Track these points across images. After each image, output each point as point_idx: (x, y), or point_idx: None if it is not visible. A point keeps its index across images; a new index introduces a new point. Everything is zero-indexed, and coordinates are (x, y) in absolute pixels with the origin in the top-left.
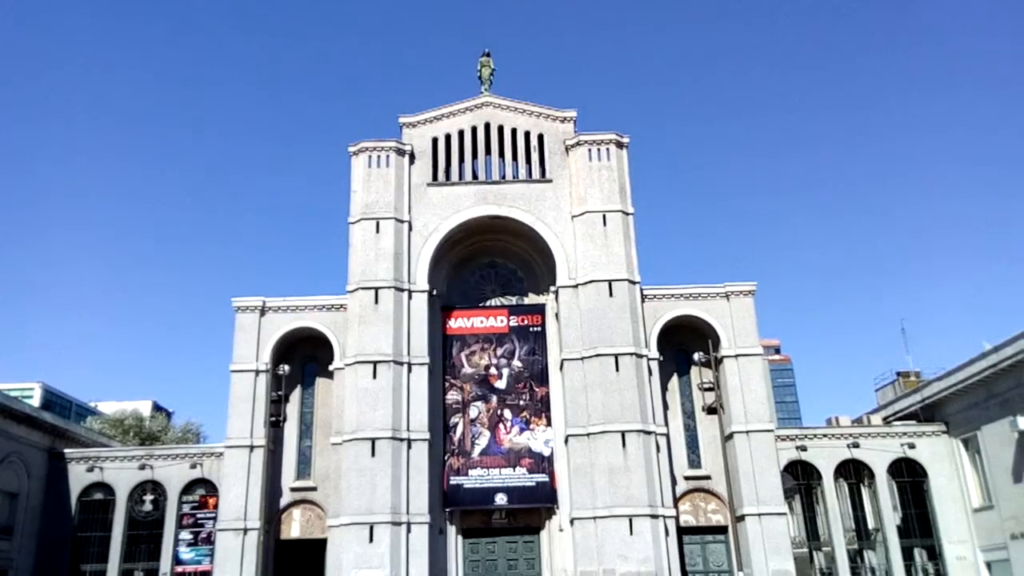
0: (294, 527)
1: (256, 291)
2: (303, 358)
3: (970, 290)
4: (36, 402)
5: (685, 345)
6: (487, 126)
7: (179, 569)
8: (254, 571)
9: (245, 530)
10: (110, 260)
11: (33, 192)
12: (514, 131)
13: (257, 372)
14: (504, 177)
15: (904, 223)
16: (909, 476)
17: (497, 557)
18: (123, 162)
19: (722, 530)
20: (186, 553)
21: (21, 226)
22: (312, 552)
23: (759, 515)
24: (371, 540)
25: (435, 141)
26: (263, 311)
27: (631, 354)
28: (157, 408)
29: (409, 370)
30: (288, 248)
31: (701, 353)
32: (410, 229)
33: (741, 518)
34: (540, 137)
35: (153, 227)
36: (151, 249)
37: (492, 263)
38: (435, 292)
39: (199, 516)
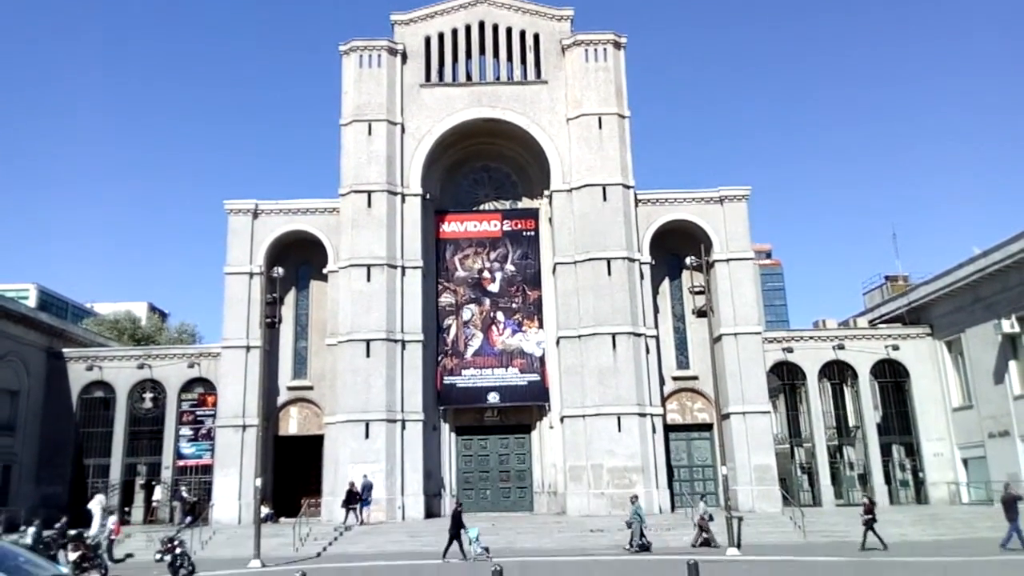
0: (292, 424)
1: (250, 196)
2: (297, 261)
3: (964, 196)
4: (32, 303)
5: (677, 249)
6: (481, 25)
7: (181, 463)
8: (254, 465)
9: (244, 427)
10: (103, 164)
11: (27, 103)
12: (509, 30)
13: (251, 275)
14: (499, 78)
15: (900, 128)
16: (892, 377)
17: (489, 453)
18: (112, 70)
19: (707, 427)
20: (187, 448)
21: (14, 133)
22: (310, 448)
23: (744, 413)
24: (367, 436)
25: (428, 40)
26: (256, 214)
27: (623, 258)
28: (153, 309)
29: (403, 273)
30: (282, 153)
31: (693, 257)
32: (403, 132)
33: (726, 416)
34: (536, 37)
35: (145, 133)
36: (144, 154)
37: (486, 167)
38: (428, 196)
39: (198, 413)
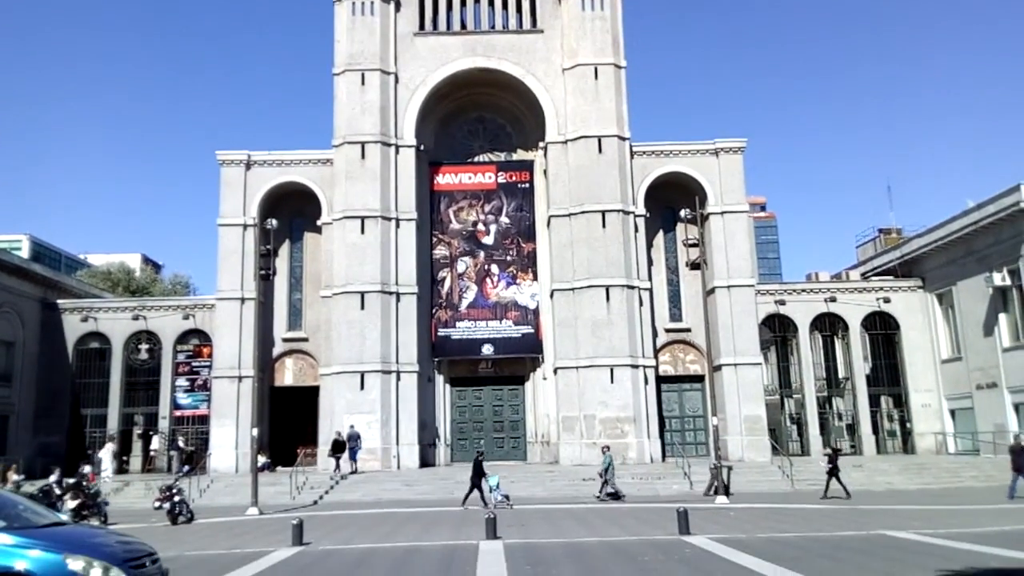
0: (287, 375)
1: (244, 147)
2: (291, 213)
3: (960, 150)
4: (25, 254)
5: (672, 202)
6: None
7: (177, 413)
8: (250, 415)
9: (240, 378)
10: (94, 114)
11: (19, 54)
12: None
13: (245, 226)
14: (494, 27)
15: (896, 80)
16: (882, 329)
17: (483, 403)
18: (104, 20)
19: (699, 379)
20: (184, 398)
21: (5, 84)
22: (306, 398)
23: (735, 365)
24: (362, 387)
25: None
26: (248, 165)
27: (618, 211)
28: (146, 261)
29: (397, 225)
30: (276, 104)
31: (687, 210)
32: (396, 81)
33: (718, 368)
34: None
35: (137, 83)
36: (136, 104)
37: (480, 118)
38: (422, 147)
39: (194, 364)
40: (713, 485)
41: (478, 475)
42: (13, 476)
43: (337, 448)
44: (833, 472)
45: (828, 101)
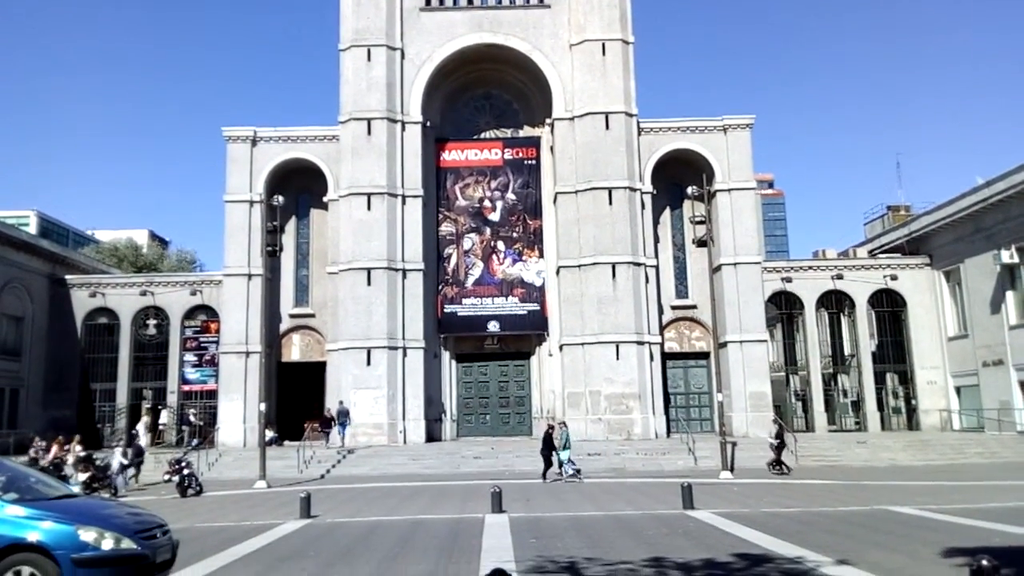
0: (294, 351)
1: (251, 123)
2: (297, 189)
3: (971, 126)
4: (32, 230)
5: (679, 179)
6: None
7: (186, 388)
8: (257, 390)
9: (247, 353)
10: (101, 90)
11: (24, 31)
12: None
13: (251, 203)
14: (500, 2)
15: (908, 56)
16: (889, 307)
17: (489, 379)
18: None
19: (704, 356)
20: (192, 373)
21: (11, 60)
22: (312, 374)
23: (741, 342)
24: (368, 363)
25: None
26: (255, 141)
27: (625, 188)
28: (153, 237)
29: (403, 202)
30: (283, 80)
31: (695, 187)
32: (402, 57)
33: (724, 345)
34: None
35: (144, 59)
36: (143, 80)
37: (487, 94)
38: (429, 124)
39: (202, 340)
40: (776, 459)
41: (548, 448)
42: (77, 449)
43: (326, 424)
44: (780, 447)
45: (838, 77)
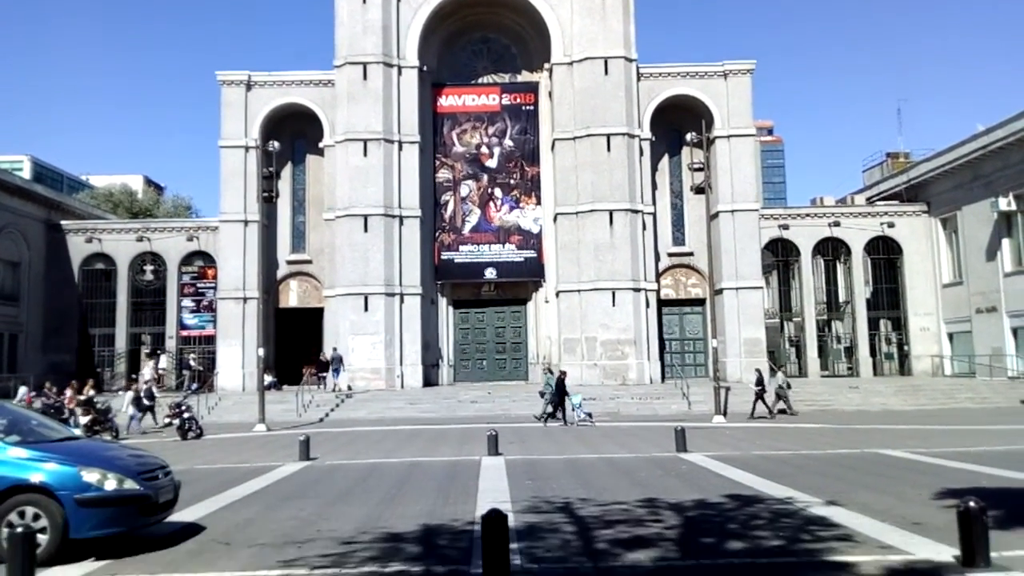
0: (291, 297)
1: (245, 67)
2: (292, 135)
3: (974, 71)
4: (26, 175)
5: (678, 125)
6: None
7: (184, 333)
8: (256, 336)
9: (244, 299)
10: (93, 33)
11: None
12: None
13: (247, 148)
14: None
15: None
16: (885, 254)
17: (486, 325)
18: None
19: (700, 302)
20: (190, 319)
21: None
22: (310, 320)
23: (736, 289)
24: (366, 309)
25: None
26: (249, 86)
27: (624, 134)
28: (148, 182)
29: (400, 148)
30: (277, 24)
31: (693, 133)
32: None
33: (719, 291)
34: None
35: (138, 1)
36: (136, 24)
37: (484, 38)
38: (425, 68)
39: (199, 286)
40: (779, 405)
41: (561, 393)
42: (91, 393)
43: (322, 368)
44: (760, 394)
45: (839, 20)
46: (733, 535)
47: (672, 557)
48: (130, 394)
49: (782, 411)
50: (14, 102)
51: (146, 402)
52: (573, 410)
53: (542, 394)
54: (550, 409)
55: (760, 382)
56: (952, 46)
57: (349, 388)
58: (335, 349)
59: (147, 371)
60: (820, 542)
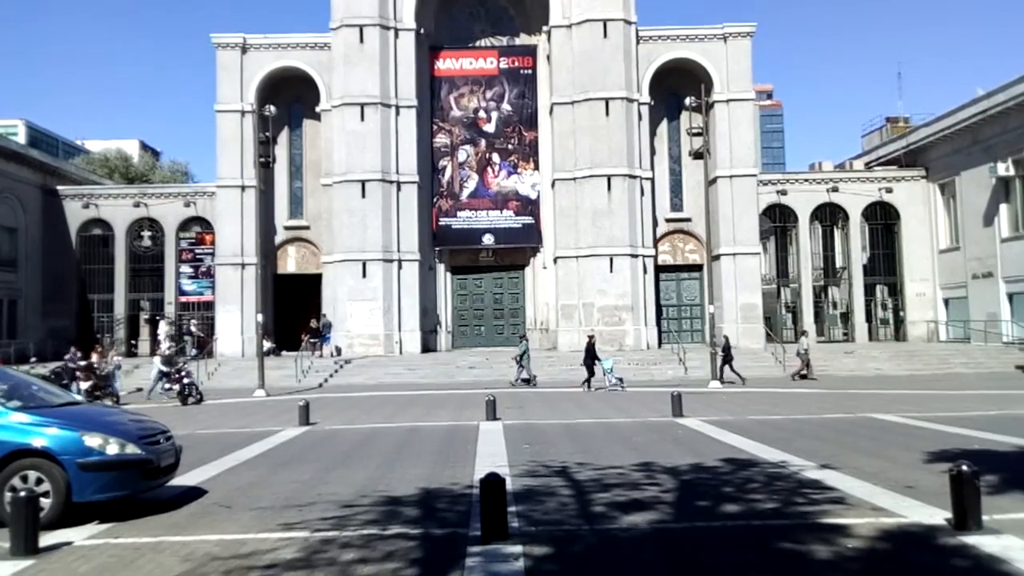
0: (289, 263)
1: (241, 29)
2: (289, 99)
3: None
4: (21, 139)
5: (677, 89)
6: None
7: (183, 299)
8: (254, 302)
9: (243, 265)
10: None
11: None
12: None
13: (243, 112)
14: None
15: None
16: (883, 219)
17: (484, 291)
18: None
19: (697, 268)
20: (188, 285)
21: None
22: (309, 285)
23: (734, 255)
24: (364, 275)
25: None
26: (244, 49)
27: (622, 99)
28: (144, 148)
29: (397, 113)
30: None
31: (692, 98)
32: None
33: (717, 257)
34: None
35: None
36: None
37: (482, 0)
38: (422, 31)
39: (197, 252)
40: (801, 371)
41: (591, 358)
42: (116, 359)
43: (313, 334)
44: (727, 359)
45: None
46: (728, 498)
47: (668, 519)
48: (157, 359)
49: (803, 376)
50: (8, 66)
51: (163, 368)
52: (604, 375)
53: (516, 359)
54: (524, 375)
55: (727, 348)
56: (953, 9)
57: (338, 351)
58: (324, 315)
59: (162, 334)
60: (814, 505)
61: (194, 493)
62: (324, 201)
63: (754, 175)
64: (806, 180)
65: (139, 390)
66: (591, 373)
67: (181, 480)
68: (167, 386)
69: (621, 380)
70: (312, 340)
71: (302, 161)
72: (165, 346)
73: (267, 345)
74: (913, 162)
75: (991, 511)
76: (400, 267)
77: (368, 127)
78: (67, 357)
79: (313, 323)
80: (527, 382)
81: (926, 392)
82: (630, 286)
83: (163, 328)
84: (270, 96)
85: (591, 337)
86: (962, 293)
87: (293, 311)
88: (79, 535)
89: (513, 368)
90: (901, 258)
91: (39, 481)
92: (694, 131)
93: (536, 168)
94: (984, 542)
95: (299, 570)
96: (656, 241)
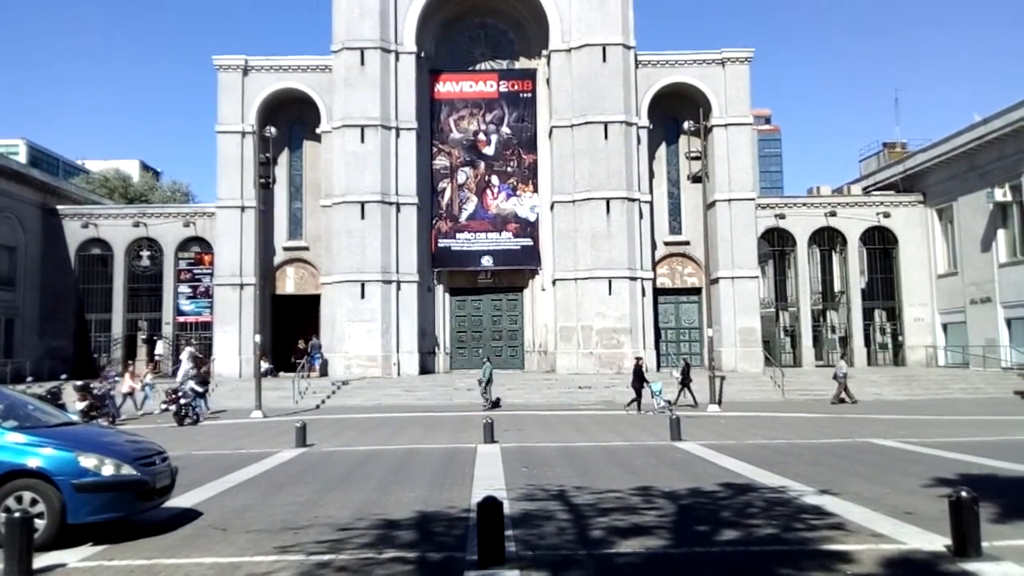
0: (288, 283)
1: (242, 52)
2: (289, 120)
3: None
4: (22, 159)
5: (675, 113)
6: None
7: (181, 319)
8: (252, 322)
9: (241, 285)
10: (90, 18)
11: None
12: None
13: (243, 133)
14: None
15: None
16: (880, 244)
17: (482, 313)
18: None
19: (696, 291)
20: (186, 305)
21: None
22: (307, 306)
23: (732, 278)
24: (363, 296)
25: None
26: (246, 71)
27: (621, 122)
28: (145, 167)
29: (397, 135)
30: (274, 9)
31: (691, 122)
32: None
33: (715, 281)
34: None
35: None
36: (133, 7)
37: (483, 23)
38: (423, 54)
39: (196, 272)
40: (841, 395)
41: (639, 380)
42: (149, 378)
43: (299, 355)
44: (686, 383)
45: (838, 9)
46: (727, 523)
47: (666, 545)
48: (191, 381)
49: (842, 400)
50: (10, 86)
51: (198, 389)
52: (653, 397)
53: (480, 382)
54: (493, 397)
55: (685, 372)
56: (950, 37)
57: (324, 370)
58: (314, 338)
59: (185, 356)
60: (813, 531)
61: (189, 515)
62: (323, 222)
63: (752, 199)
64: (804, 204)
65: (165, 410)
66: (639, 395)
67: (176, 502)
68: (193, 403)
69: (670, 402)
70: (297, 361)
71: (302, 182)
72: (189, 366)
73: (265, 366)
74: (911, 187)
75: (991, 537)
76: (399, 288)
77: (368, 148)
78: (112, 374)
79: (301, 344)
80: (495, 405)
81: (925, 417)
82: (629, 309)
83: (186, 351)
84: (271, 117)
85: (639, 359)
86: (960, 318)
87: (291, 332)
88: (73, 557)
89: (488, 391)
90: (899, 283)
91: (34, 502)
92: (693, 155)
93: (535, 190)
94: (984, 569)
95: None
96: (655, 264)
